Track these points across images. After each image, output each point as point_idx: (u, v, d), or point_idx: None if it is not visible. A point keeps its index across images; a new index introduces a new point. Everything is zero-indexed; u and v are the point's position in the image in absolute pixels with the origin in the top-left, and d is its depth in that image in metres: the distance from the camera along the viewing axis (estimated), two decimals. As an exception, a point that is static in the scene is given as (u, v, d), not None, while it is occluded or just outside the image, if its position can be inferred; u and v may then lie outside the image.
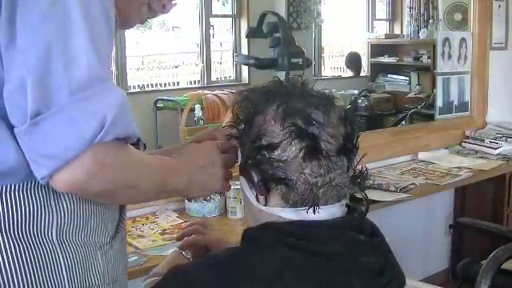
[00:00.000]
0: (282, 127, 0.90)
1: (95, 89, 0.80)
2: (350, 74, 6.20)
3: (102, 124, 0.79)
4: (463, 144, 3.25)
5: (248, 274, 0.89)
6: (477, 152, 3.13)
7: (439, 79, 3.30)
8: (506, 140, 3.15)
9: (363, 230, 0.95)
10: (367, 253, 0.92)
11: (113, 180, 0.84)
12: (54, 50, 0.78)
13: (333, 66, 6.51)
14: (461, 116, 3.37)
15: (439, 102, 3.29)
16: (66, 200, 0.87)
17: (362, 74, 6.21)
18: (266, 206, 0.94)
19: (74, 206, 0.87)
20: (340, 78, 6.27)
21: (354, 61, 6.16)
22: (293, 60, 4.16)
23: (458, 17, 3.59)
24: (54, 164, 0.79)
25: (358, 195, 0.98)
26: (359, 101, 5.36)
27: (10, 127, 0.81)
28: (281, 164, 0.90)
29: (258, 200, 0.95)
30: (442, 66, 3.28)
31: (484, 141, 3.17)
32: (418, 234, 3.16)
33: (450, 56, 3.29)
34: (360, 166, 0.96)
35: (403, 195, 2.40)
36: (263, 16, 4.56)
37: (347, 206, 0.97)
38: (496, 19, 3.39)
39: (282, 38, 4.30)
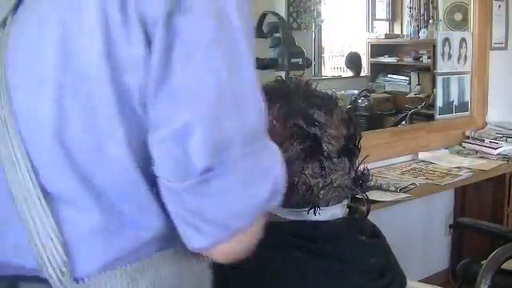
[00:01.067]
0: (283, 127, 0.90)
1: (264, 141, 0.67)
2: (350, 73, 6.20)
3: (276, 187, 0.67)
4: (463, 144, 3.25)
5: (253, 274, 0.89)
6: (477, 152, 3.13)
7: (439, 79, 3.30)
8: (506, 140, 3.15)
9: (364, 231, 0.95)
10: (368, 253, 0.92)
11: (251, 246, 0.72)
12: (224, 91, 0.63)
13: (333, 66, 6.50)
14: (461, 116, 3.37)
15: (439, 102, 3.29)
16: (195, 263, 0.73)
17: (362, 74, 6.21)
18: None
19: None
20: (340, 77, 6.26)
21: (354, 61, 6.15)
22: (293, 60, 4.14)
23: (458, 17, 3.59)
24: (222, 233, 0.65)
25: (359, 196, 0.98)
26: (359, 101, 5.36)
27: (152, 184, 0.65)
28: None
29: None
30: (442, 66, 3.28)
31: (484, 141, 3.17)
32: (417, 234, 3.16)
33: (450, 56, 3.29)
34: (362, 167, 0.96)
35: (403, 195, 2.40)
36: (263, 16, 4.56)
37: (349, 206, 0.97)
38: (496, 19, 3.39)
39: (282, 38, 4.29)
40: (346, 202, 0.96)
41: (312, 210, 0.91)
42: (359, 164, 0.96)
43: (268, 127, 0.91)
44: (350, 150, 0.93)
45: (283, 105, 0.92)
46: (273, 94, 0.95)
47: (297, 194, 0.91)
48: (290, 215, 0.93)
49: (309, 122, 0.90)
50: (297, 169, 0.90)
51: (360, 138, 0.96)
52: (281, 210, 0.93)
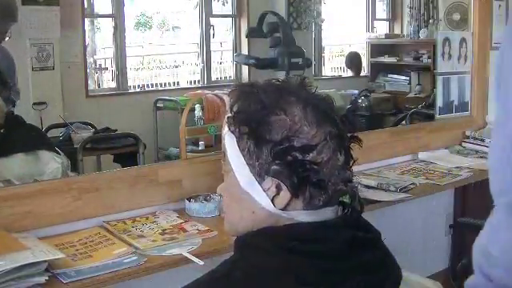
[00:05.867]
0: (316, 129, 0.89)
1: None
2: (350, 73, 6.21)
3: None
4: (463, 144, 3.25)
5: (251, 282, 0.88)
6: (477, 152, 3.13)
7: (439, 79, 3.30)
8: (506, 140, 3.14)
9: (360, 227, 0.95)
10: (367, 249, 0.92)
11: None
12: None
13: (333, 66, 6.51)
14: (461, 116, 3.36)
15: (439, 102, 3.29)
16: None
17: (362, 73, 6.22)
18: (284, 209, 0.91)
19: None
20: (340, 77, 6.27)
21: (354, 61, 6.16)
22: (293, 60, 4.16)
23: (457, 17, 3.59)
24: None
25: (352, 192, 0.98)
26: (359, 101, 5.36)
27: None
28: (315, 166, 0.89)
29: (273, 204, 0.91)
30: (442, 65, 3.27)
31: (484, 141, 3.17)
32: (418, 234, 3.16)
33: (450, 56, 3.28)
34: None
35: (403, 195, 2.40)
36: (263, 16, 4.56)
37: (343, 204, 0.97)
38: (496, 19, 3.39)
39: (281, 38, 4.30)
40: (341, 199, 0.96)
41: (325, 209, 0.91)
42: (353, 163, 0.96)
43: (297, 128, 0.89)
44: (348, 147, 0.95)
45: (307, 105, 0.90)
46: (280, 93, 0.93)
47: (327, 194, 0.91)
48: (307, 217, 0.91)
49: (335, 123, 0.91)
50: (330, 170, 0.90)
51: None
52: (306, 212, 0.92)
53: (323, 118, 0.90)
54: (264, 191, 0.91)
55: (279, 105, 0.91)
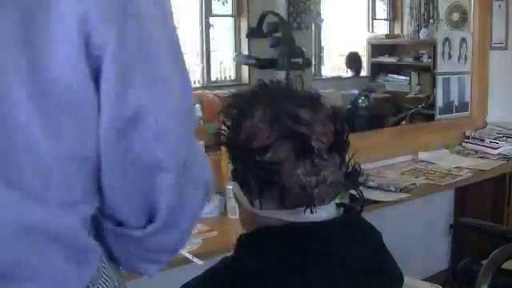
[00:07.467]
0: (271, 129, 0.89)
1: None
2: (350, 74, 6.20)
3: (207, 190, 0.79)
4: (463, 144, 3.25)
5: (248, 281, 0.89)
6: (477, 152, 3.13)
7: (439, 79, 3.30)
8: (506, 140, 3.15)
9: (361, 228, 0.95)
10: (366, 250, 0.92)
11: None
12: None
13: (333, 66, 6.50)
14: (461, 116, 3.37)
15: (439, 102, 3.29)
16: None
17: (362, 73, 6.21)
18: (261, 209, 0.94)
19: None
20: (340, 78, 6.26)
21: (354, 61, 6.15)
22: (293, 60, 4.15)
23: (457, 17, 3.59)
24: (176, 252, 0.79)
25: (353, 192, 0.97)
26: (359, 101, 5.35)
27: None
28: (273, 166, 0.89)
29: (252, 204, 0.94)
30: (443, 65, 3.28)
31: (484, 141, 3.17)
32: (418, 234, 3.16)
33: (450, 56, 3.29)
34: (352, 163, 0.96)
35: (403, 195, 2.40)
36: (263, 16, 4.56)
37: (343, 205, 0.97)
38: (496, 19, 3.39)
39: (282, 38, 4.29)
40: (338, 200, 0.96)
41: (309, 210, 0.90)
42: (349, 159, 0.96)
43: (255, 131, 0.91)
44: (340, 145, 0.93)
45: (267, 107, 0.91)
46: (254, 98, 0.94)
47: (291, 194, 0.90)
48: (286, 216, 0.92)
49: (295, 121, 0.89)
50: (288, 169, 0.89)
51: (348, 134, 0.96)
52: (276, 212, 0.93)
53: (278, 117, 0.90)
54: (244, 194, 0.95)
55: (248, 110, 0.93)
